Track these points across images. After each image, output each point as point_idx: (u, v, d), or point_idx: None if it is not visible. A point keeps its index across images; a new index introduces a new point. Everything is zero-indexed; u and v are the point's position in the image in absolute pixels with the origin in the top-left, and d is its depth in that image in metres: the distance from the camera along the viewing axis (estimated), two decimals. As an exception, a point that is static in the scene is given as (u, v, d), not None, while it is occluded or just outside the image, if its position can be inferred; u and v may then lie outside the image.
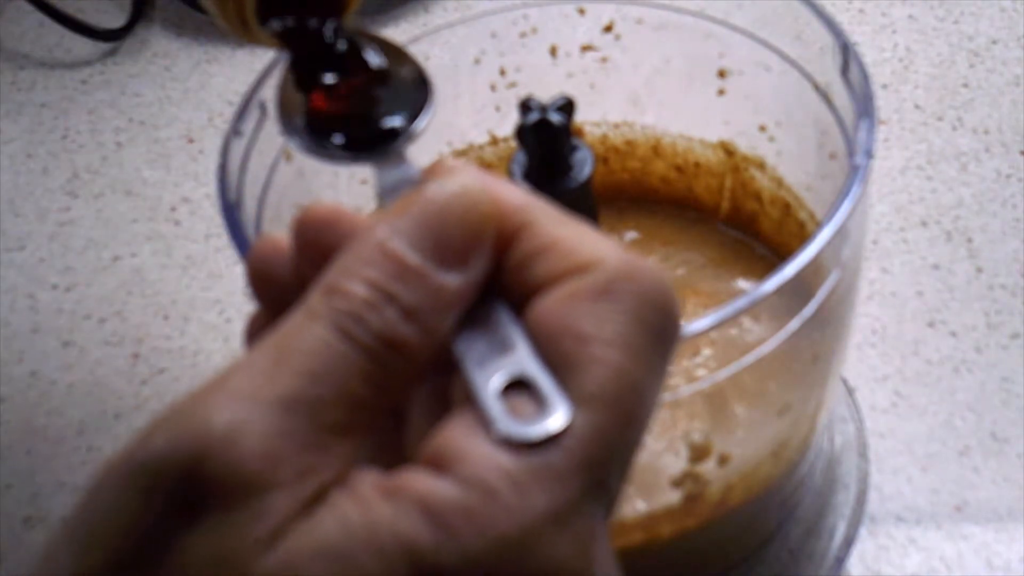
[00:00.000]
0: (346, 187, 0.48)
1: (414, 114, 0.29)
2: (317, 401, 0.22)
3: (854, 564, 0.49)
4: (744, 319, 0.37)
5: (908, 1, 0.72)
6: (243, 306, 0.60)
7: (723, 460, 0.42)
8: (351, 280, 0.23)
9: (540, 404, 0.22)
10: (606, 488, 0.22)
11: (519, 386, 0.23)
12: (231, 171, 0.41)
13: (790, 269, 0.35)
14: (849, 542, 0.48)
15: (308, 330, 0.23)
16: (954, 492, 0.51)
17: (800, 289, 0.37)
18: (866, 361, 0.55)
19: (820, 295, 0.38)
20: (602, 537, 0.22)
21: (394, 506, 0.21)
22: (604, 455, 0.22)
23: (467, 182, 0.24)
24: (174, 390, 0.58)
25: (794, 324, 0.38)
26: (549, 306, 0.23)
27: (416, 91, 0.30)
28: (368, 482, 0.22)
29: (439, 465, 0.22)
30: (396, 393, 0.23)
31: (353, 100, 0.30)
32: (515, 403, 0.22)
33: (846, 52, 0.41)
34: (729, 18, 0.46)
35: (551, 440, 0.22)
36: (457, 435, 0.22)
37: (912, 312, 0.57)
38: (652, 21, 0.48)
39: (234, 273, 0.62)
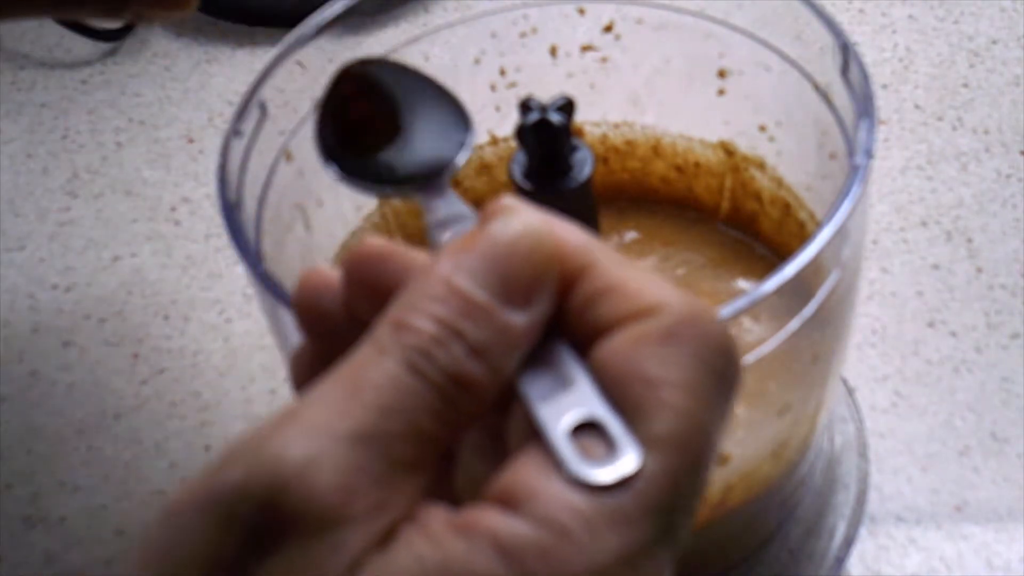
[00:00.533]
0: (347, 189, 0.48)
1: (454, 148, 0.29)
2: (388, 436, 0.22)
3: (854, 564, 0.49)
4: (744, 319, 0.37)
5: (908, 1, 0.72)
6: (243, 306, 0.60)
7: (723, 460, 0.42)
8: (418, 316, 0.23)
9: (609, 446, 0.22)
10: (674, 531, 0.23)
11: (586, 427, 0.23)
12: (231, 171, 0.41)
13: (790, 269, 0.35)
14: (849, 542, 0.48)
15: (379, 364, 0.23)
16: (954, 492, 0.51)
17: (800, 289, 0.37)
18: (866, 361, 0.55)
19: (820, 295, 0.38)
20: None
21: (467, 543, 0.21)
22: (673, 499, 0.22)
23: (531, 221, 0.24)
24: (174, 390, 0.58)
25: (794, 324, 0.38)
26: (615, 349, 0.23)
27: (455, 125, 0.30)
28: (439, 518, 0.22)
29: (509, 503, 0.22)
30: (462, 430, 0.23)
31: (394, 134, 0.30)
32: (584, 443, 0.22)
33: (846, 52, 0.41)
34: (729, 18, 0.46)
35: (623, 483, 0.22)
36: (528, 473, 0.22)
37: (912, 312, 0.57)
38: (652, 21, 0.48)
39: (234, 273, 0.62)
